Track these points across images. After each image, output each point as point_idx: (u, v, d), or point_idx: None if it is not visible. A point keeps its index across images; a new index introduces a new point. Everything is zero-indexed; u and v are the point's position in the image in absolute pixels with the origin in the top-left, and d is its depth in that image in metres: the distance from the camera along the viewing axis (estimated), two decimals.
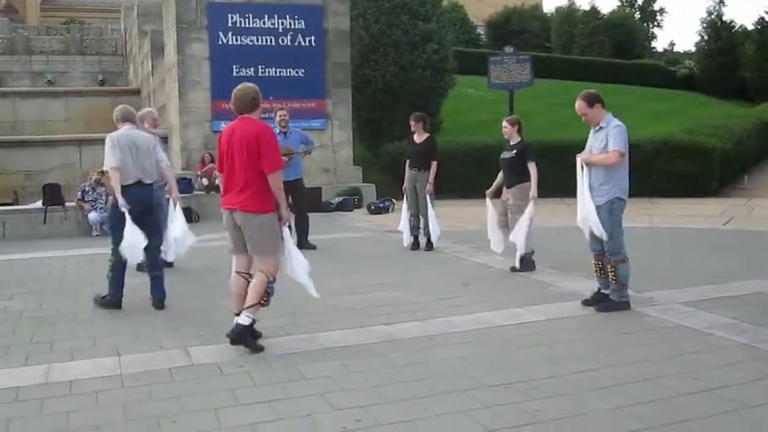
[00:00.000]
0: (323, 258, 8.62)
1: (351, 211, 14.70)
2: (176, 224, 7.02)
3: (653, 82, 34.04)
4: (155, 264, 6.46)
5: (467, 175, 14.76)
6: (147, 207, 6.34)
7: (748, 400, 3.92)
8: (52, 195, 12.33)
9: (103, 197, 11.44)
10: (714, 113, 25.50)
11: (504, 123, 8.14)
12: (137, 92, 22.14)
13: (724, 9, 41.55)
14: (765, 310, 5.86)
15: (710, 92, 33.71)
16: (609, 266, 5.94)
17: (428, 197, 9.12)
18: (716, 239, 10.30)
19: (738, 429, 3.61)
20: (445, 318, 5.83)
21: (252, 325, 4.94)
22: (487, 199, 8.20)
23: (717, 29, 36.12)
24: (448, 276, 7.61)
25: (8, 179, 15.40)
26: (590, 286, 6.38)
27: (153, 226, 6.45)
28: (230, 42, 15.17)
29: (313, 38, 15.70)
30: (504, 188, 8.03)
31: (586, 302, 6.10)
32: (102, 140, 6.45)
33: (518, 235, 7.54)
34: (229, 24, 15.16)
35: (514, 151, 7.93)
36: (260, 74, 14.88)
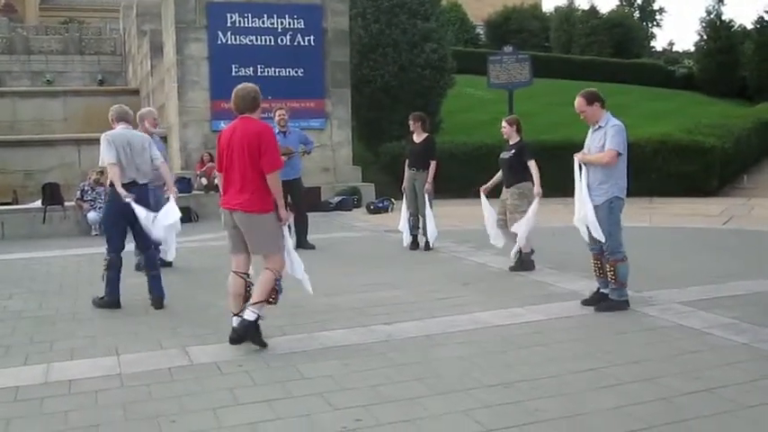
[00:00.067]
0: (322, 258, 8.62)
1: (350, 210, 14.71)
2: (167, 208, 6.61)
3: (652, 81, 34.06)
4: (152, 263, 6.46)
5: (466, 174, 14.74)
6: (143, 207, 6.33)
7: (747, 399, 3.92)
8: (51, 195, 12.35)
9: (102, 197, 11.43)
10: (713, 113, 25.50)
11: (503, 123, 8.13)
12: (136, 92, 22.14)
13: (723, 8, 41.71)
14: (765, 309, 5.86)
15: (710, 91, 33.73)
16: (608, 266, 5.93)
17: (427, 197, 9.12)
18: (715, 239, 10.30)
19: (737, 429, 3.61)
20: (445, 317, 5.82)
21: (257, 321, 4.95)
22: (482, 195, 8.19)
23: (716, 28, 36.12)
24: (447, 276, 7.61)
25: (7, 179, 15.41)
26: (589, 286, 6.39)
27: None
28: (229, 42, 15.18)
29: (312, 37, 15.71)
30: (504, 188, 8.03)
31: (586, 302, 6.10)
32: None
33: (521, 227, 7.50)
34: (228, 24, 15.17)
35: (513, 151, 7.93)
36: (259, 73, 14.89)
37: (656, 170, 16.06)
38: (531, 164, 7.78)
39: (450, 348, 4.98)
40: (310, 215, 10.00)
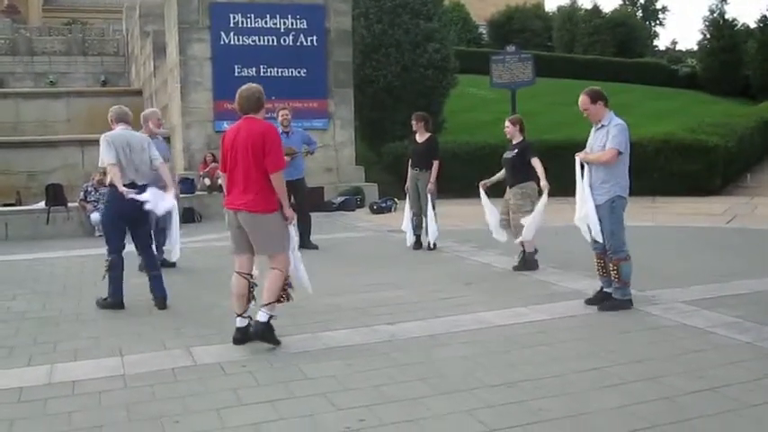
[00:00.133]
0: (325, 258, 8.63)
1: (353, 210, 14.71)
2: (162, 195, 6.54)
3: (655, 80, 34.00)
4: (152, 263, 6.47)
5: (468, 174, 14.62)
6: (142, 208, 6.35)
7: (751, 398, 3.91)
8: (55, 196, 12.36)
9: (105, 198, 11.45)
10: (716, 112, 25.45)
11: (507, 123, 8.13)
12: (139, 92, 22.16)
13: (726, 7, 41.44)
14: None
15: (713, 90, 33.66)
16: (611, 265, 5.93)
17: (429, 197, 9.12)
18: (719, 238, 10.28)
19: (741, 428, 3.60)
20: (448, 317, 5.82)
21: (269, 321, 4.96)
22: (482, 190, 8.17)
23: (719, 27, 36.03)
24: (450, 276, 7.61)
25: (11, 180, 15.42)
26: (593, 285, 6.38)
27: (150, 226, 6.46)
28: (232, 42, 15.19)
29: (315, 37, 15.72)
30: (507, 188, 8.03)
31: (589, 301, 6.10)
32: None
33: (529, 221, 7.48)
34: (231, 24, 15.18)
35: (516, 151, 7.92)
36: (262, 74, 14.89)
37: (659, 169, 16.02)
38: (535, 161, 7.77)
39: (453, 348, 4.98)
40: (313, 215, 10.01)
